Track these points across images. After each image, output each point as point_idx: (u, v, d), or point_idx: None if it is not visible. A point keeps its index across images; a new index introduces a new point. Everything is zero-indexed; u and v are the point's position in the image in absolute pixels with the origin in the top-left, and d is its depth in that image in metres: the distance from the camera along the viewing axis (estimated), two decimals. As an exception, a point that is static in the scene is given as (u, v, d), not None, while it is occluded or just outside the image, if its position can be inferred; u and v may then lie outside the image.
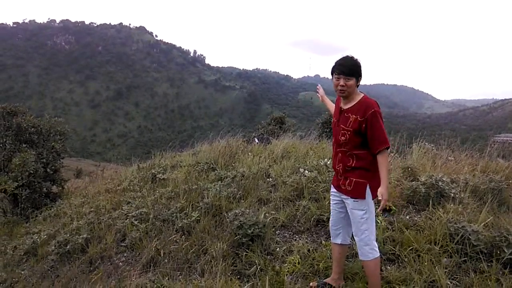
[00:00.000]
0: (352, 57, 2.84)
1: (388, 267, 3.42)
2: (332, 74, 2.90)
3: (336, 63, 2.86)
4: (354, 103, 2.87)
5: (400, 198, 4.60)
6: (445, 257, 3.35)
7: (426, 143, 6.44)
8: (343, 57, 2.86)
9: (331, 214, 3.24)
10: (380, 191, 2.75)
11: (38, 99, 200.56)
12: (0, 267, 6.49)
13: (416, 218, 4.10)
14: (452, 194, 4.25)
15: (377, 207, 2.93)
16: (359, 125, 2.77)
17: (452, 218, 3.70)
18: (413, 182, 4.69)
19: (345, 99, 2.92)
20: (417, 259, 3.37)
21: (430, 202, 4.18)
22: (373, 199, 2.89)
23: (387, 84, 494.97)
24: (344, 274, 3.34)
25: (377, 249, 2.96)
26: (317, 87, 3.73)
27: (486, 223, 3.68)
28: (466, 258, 3.32)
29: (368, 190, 2.84)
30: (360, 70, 2.83)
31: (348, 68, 2.79)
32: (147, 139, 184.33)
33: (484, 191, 4.54)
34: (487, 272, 3.11)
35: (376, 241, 3.68)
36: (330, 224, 3.27)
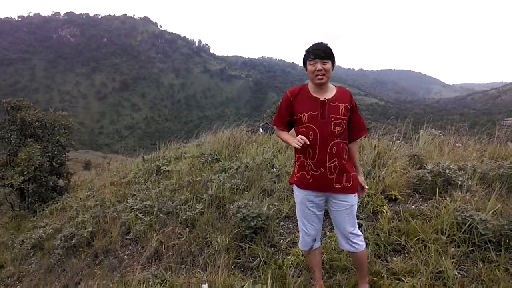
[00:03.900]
0: (323, 42, 2.70)
1: (394, 258, 3.35)
2: (305, 62, 2.71)
3: (308, 49, 2.69)
4: (335, 91, 2.73)
5: (406, 187, 4.50)
6: (452, 247, 3.26)
7: (434, 129, 6.30)
8: (315, 43, 2.69)
9: (310, 222, 2.91)
10: (362, 180, 2.84)
11: (45, 92, 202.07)
12: (8, 261, 6.56)
13: (422, 207, 4.00)
14: (460, 182, 4.14)
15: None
16: (349, 113, 2.72)
17: (459, 206, 3.60)
18: (420, 170, 4.58)
19: (321, 88, 2.71)
20: (423, 250, 3.29)
21: (437, 190, 4.07)
22: None
23: (394, 69, 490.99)
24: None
25: None
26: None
27: (495, 211, 3.57)
28: (474, 248, 3.23)
29: None
30: (334, 55, 2.67)
31: (322, 51, 2.62)
32: (154, 130, 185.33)
33: (492, 178, 4.41)
34: (496, 262, 3.03)
35: (381, 231, 3.66)
36: (310, 233, 2.93)
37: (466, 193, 3.96)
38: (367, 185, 2.96)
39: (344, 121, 2.67)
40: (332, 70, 2.69)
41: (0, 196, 11.32)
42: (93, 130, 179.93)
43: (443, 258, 3.07)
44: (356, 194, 2.80)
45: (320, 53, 2.62)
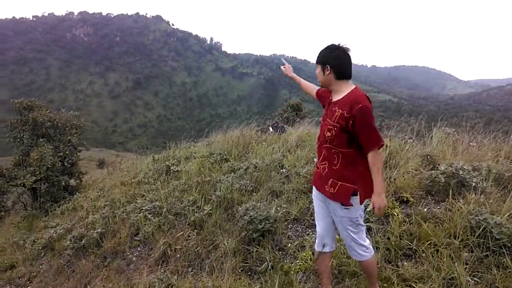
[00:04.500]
0: (328, 45, 2.59)
1: (404, 263, 3.25)
2: None
3: None
4: (343, 95, 2.54)
5: (418, 189, 4.38)
6: (466, 252, 3.15)
7: (447, 128, 6.13)
8: None
9: (317, 218, 2.89)
10: (373, 199, 2.51)
11: (60, 91, 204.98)
12: (20, 261, 6.60)
13: (435, 210, 3.88)
14: (474, 184, 4.00)
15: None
16: (346, 122, 2.43)
17: (473, 209, 3.48)
18: (432, 171, 4.45)
19: (332, 89, 2.64)
20: (435, 254, 3.19)
21: (450, 192, 3.94)
22: (361, 204, 2.60)
23: (408, 65, 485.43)
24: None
25: (370, 245, 2.76)
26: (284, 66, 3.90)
27: (510, 214, 3.43)
28: (488, 253, 3.11)
29: (354, 197, 2.55)
30: (327, 59, 2.54)
31: (317, 56, 2.63)
32: (167, 128, 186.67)
33: (508, 179, 4.25)
34: (511, 268, 2.91)
35: (392, 235, 3.55)
36: (319, 233, 2.88)
37: (480, 195, 3.83)
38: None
39: (336, 128, 2.49)
40: (329, 74, 2.55)
41: (14, 196, 11.47)
42: (106, 129, 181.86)
43: (455, 263, 2.97)
44: (349, 207, 2.57)
45: (317, 57, 2.65)
